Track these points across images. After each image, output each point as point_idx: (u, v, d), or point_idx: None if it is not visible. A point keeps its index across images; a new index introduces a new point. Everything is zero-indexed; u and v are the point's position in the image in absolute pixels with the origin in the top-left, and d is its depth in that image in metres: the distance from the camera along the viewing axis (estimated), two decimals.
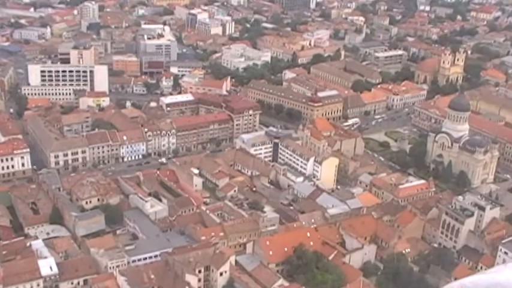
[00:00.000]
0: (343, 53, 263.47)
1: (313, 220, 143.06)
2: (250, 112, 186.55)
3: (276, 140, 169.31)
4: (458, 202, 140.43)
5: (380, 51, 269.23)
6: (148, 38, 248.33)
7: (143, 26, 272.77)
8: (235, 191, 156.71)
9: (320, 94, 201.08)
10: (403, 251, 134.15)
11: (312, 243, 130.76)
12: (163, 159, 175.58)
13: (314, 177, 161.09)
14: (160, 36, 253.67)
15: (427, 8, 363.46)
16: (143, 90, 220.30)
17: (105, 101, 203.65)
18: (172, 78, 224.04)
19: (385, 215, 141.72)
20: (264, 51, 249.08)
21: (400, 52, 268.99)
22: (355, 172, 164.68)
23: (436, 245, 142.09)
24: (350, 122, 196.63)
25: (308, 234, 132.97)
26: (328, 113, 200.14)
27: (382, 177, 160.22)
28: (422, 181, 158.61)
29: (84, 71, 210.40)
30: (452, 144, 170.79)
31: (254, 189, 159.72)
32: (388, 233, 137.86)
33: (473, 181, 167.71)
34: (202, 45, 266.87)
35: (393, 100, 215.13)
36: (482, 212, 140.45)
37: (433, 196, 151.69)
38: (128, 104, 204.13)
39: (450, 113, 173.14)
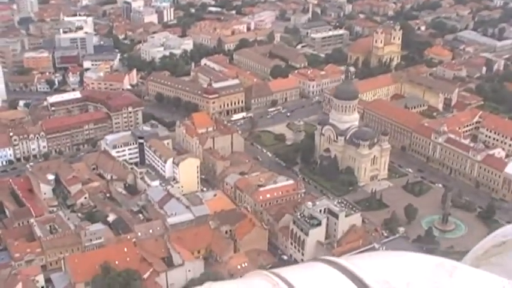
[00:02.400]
0: (278, 35, 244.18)
1: (151, 231, 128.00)
2: (130, 109, 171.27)
3: (141, 140, 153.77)
4: (307, 209, 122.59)
5: (323, 31, 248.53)
6: (65, 32, 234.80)
7: (65, 19, 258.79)
8: (85, 198, 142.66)
9: (218, 85, 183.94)
10: (239, 266, 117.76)
11: (128, 259, 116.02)
12: (32, 164, 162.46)
13: (174, 179, 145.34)
14: (79, 28, 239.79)
15: None
16: (47, 88, 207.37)
17: None
18: (78, 73, 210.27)
19: (223, 224, 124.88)
20: (185, 39, 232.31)
21: (341, 32, 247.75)
22: (223, 173, 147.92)
23: (286, 258, 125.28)
24: (239, 115, 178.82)
25: (125, 249, 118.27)
26: (227, 105, 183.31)
27: (249, 177, 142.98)
28: (291, 181, 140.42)
29: None
30: (337, 138, 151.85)
31: (108, 195, 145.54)
32: (222, 246, 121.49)
33: (360, 178, 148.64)
34: (131, 35, 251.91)
35: (309, 86, 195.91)
36: (336, 220, 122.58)
37: (291, 200, 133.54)
38: (21, 104, 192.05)
39: (336, 103, 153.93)
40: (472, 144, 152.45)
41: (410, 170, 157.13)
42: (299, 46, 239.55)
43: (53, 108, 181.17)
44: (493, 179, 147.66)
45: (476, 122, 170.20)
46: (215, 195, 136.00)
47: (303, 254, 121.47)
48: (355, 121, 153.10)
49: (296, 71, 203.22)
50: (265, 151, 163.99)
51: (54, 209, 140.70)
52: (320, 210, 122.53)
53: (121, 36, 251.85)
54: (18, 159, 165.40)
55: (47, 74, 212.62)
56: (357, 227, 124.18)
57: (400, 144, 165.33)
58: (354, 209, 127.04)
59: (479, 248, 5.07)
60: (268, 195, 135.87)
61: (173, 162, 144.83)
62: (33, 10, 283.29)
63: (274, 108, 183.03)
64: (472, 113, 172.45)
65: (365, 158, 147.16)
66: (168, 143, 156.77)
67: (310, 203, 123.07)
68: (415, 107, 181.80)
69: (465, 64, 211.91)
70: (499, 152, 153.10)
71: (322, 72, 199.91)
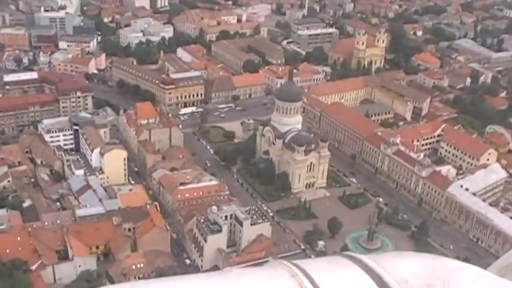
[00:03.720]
0: (265, 29, 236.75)
1: (59, 221, 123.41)
2: (79, 94, 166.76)
3: (76, 127, 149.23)
4: (212, 213, 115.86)
5: (313, 28, 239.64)
6: (46, 10, 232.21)
7: None
8: (9, 181, 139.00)
9: (177, 75, 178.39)
10: (134, 266, 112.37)
11: (20, 248, 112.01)
12: None
13: (100, 170, 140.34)
14: (62, 8, 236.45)
15: None
16: (14, 66, 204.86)
17: None
18: (49, 54, 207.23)
19: (126, 221, 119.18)
20: (165, 27, 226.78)
21: (330, 30, 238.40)
22: (153, 167, 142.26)
23: (189, 262, 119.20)
24: (188, 109, 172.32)
25: (18, 238, 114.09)
26: (185, 96, 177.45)
27: (175, 174, 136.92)
28: (214, 182, 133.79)
29: None
30: (276, 140, 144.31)
31: (33, 180, 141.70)
32: (119, 244, 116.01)
33: (293, 185, 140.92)
34: (118, 18, 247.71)
35: (276, 84, 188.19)
36: (240, 228, 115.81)
37: (207, 202, 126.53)
38: None
39: (277, 104, 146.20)
40: (419, 159, 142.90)
41: (354, 180, 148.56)
42: (284, 42, 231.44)
43: (7, 87, 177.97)
44: (436, 197, 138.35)
45: (439, 135, 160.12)
46: (131, 189, 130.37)
47: (202, 260, 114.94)
48: (296, 124, 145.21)
49: (267, 67, 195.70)
50: (208, 148, 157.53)
51: None
52: (226, 216, 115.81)
53: (108, 19, 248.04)
54: None
55: (17, 52, 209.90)
56: (264, 237, 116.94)
57: (351, 152, 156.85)
58: (264, 217, 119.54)
59: (506, 257, 4.69)
60: (187, 195, 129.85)
61: (100, 152, 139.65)
62: None
63: (225, 105, 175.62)
64: (434, 125, 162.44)
65: (299, 164, 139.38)
66: (105, 132, 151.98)
67: (215, 208, 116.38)
68: (378, 114, 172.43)
69: (450, 74, 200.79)
70: (448, 170, 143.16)
71: (295, 71, 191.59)
